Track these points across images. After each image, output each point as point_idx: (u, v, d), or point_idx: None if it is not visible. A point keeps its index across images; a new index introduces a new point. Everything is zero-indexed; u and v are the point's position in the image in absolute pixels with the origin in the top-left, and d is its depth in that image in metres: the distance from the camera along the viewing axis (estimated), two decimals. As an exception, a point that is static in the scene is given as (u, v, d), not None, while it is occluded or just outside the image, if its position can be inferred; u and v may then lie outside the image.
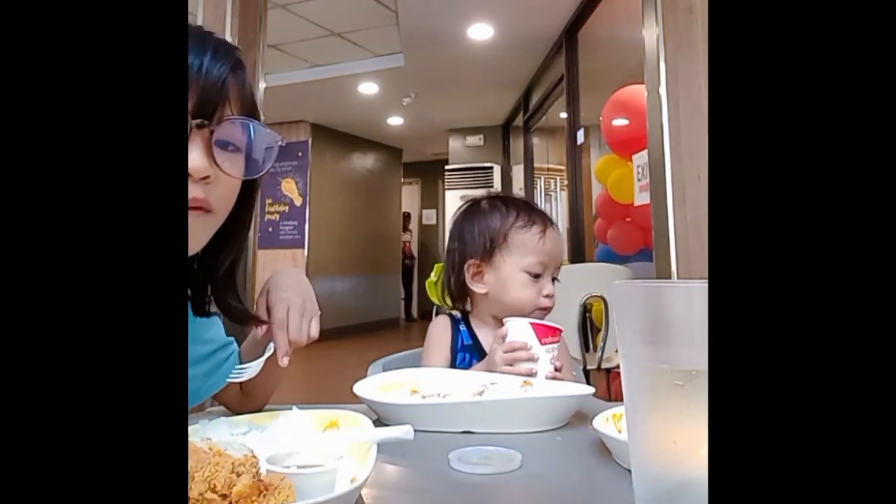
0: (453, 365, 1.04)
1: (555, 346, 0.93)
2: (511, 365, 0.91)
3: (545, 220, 1.06)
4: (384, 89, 5.63)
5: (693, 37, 1.71)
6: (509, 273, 1.03)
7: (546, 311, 1.03)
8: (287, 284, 0.74)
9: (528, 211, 1.07)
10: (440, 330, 1.08)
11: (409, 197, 9.05)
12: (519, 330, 0.93)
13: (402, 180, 8.51)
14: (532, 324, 0.93)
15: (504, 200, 1.09)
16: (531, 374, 0.89)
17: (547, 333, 0.93)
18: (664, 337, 0.39)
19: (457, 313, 1.10)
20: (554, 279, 1.05)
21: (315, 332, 0.72)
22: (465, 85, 5.43)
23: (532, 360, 0.91)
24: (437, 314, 1.09)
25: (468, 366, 1.03)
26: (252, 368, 0.70)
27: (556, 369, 0.92)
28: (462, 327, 1.08)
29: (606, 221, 3.26)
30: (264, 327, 0.71)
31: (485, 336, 1.06)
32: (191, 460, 0.43)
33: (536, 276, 1.02)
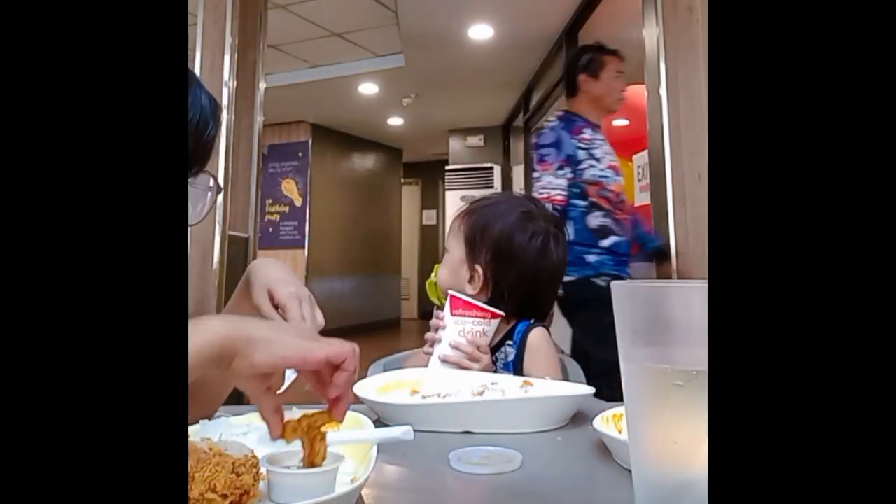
0: None
1: (467, 319, 0.94)
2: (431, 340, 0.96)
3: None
4: (384, 89, 5.63)
5: (693, 37, 1.71)
6: None
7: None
8: (283, 278, 0.72)
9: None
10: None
11: (410, 197, 9.04)
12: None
13: (403, 180, 8.51)
14: (449, 294, 0.98)
15: None
16: (434, 341, 0.95)
17: (457, 305, 0.95)
18: (664, 337, 0.39)
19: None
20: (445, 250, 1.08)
21: (321, 319, 0.70)
22: (466, 85, 5.42)
23: (438, 328, 0.96)
24: (436, 315, 1.08)
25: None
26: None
27: (477, 346, 0.93)
28: None
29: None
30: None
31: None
32: (191, 460, 0.43)
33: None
